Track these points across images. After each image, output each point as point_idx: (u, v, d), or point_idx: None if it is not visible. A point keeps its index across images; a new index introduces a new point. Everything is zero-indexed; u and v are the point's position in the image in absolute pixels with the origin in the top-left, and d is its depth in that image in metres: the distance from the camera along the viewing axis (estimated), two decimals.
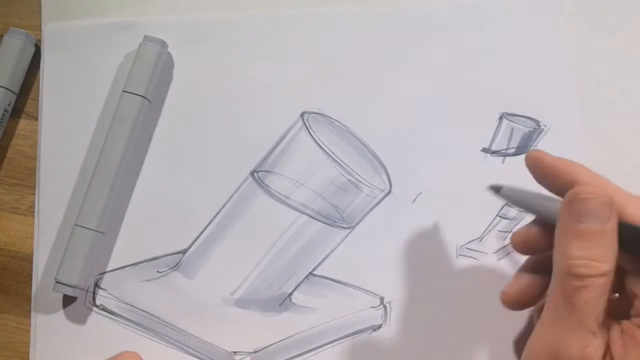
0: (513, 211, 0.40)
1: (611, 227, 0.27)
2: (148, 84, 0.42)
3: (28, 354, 0.41)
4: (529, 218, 0.40)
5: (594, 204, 0.27)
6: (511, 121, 0.41)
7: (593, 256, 0.26)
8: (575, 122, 0.41)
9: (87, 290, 0.42)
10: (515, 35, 0.42)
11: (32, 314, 0.42)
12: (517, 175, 0.40)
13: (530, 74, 0.42)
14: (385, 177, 0.41)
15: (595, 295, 0.26)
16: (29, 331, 0.42)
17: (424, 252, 0.41)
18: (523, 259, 0.40)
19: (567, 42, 0.42)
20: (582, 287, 0.26)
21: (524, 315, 0.39)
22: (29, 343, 0.41)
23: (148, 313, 0.41)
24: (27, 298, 0.42)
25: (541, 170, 0.30)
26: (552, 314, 0.27)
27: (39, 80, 0.44)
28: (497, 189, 0.34)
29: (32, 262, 0.42)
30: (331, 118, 0.42)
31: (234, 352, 0.40)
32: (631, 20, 0.42)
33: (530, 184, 0.40)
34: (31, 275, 0.42)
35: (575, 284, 0.26)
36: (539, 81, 0.42)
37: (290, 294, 0.41)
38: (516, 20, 0.42)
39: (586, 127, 0.41)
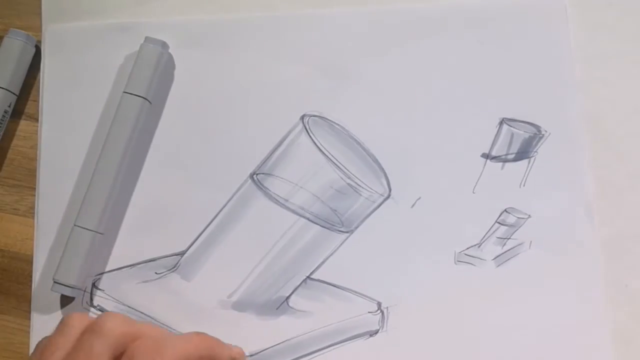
0: (512, 218, 0.40)
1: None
2: (149, 85, 0.42)
3: (28, 355, 0.42)
4: (528, 225, 0.40)
5: None
6: (511, 126, 0.41)
7: None
8: (576, 127, 0.41)
9: (84, 291, 0.42)
10: (515, 39, 0.42)
11: (31, 314, 0.42)
12: (517, 180, 0.41)
13: (530, 79, 0.41)
14: (384, 182, 0.41)
15: None
16: (29, 332, 0.42)
17: (423, 257, 0.40)
18: (523, 266, 0.40)
19: (568, 45, 0.41)
20: None
21: (522, 321, 0.39)
22: (28, 344, 0.42)
23: (145, 314, 0.41)
24: (27, 299, 0.42)
25: None
26: None
27: (39, 82, 0.44)
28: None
29: (32, 263, 0.42)
30: (331, 121, 0.42)
31: None
32: (631, 21, 0.41)
33: (527, 188, 0.41)
34: (31, 277, 0.42)
35: None
36: (540, 86, 0.41)
37: (288, 297, 0.41)
38: (516, 23, 0.42)
39: (587, 132, 0.41)
